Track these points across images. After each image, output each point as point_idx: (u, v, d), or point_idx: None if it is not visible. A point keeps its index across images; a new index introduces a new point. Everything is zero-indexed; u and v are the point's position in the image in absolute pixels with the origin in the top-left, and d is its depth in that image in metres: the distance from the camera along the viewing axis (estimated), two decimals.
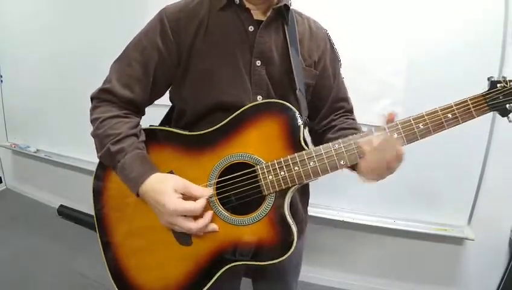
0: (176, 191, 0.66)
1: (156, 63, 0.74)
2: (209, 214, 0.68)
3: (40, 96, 2.44)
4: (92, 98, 0.77)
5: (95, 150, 0.74)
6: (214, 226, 0.69)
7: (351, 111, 0.89)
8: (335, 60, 0.86)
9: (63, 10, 2.21)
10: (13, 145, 2.66)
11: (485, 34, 1.36)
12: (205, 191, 0.68)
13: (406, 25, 1.47)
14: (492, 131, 1.46)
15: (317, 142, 0.82)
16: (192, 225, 0.66)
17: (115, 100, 0.74)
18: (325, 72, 0.83)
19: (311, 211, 1.66)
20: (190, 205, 0.65)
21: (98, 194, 0.79)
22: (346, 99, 0.88)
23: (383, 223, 1.65)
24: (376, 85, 1.52)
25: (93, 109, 0.76)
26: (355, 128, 0.80)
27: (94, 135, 0.73)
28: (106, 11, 2.03)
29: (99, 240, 0.79)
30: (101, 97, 0.75)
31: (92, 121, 0.74)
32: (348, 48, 1.50)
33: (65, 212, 2.49)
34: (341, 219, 1.69)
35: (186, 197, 0.67)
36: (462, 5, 1.39)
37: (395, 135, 0.66)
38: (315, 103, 0.84)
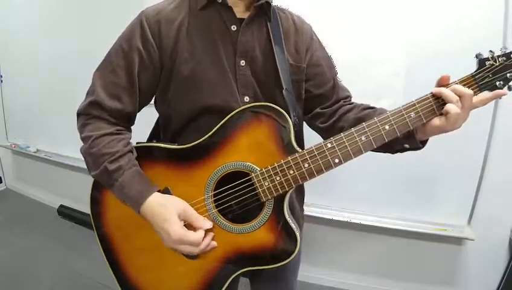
0: (179, 216, 0.66)
1: (139, 67, 0.71)
2: (209, 236, 0.69)
3: (40, 96, 2.45)
4: (79, 114, 0.73)
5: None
6: (213, 244, 0.70)
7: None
8: (322, 49, 0.84)
9: (63, 10, 2.21)
10: (13, 145, 2.66)
11: (484, 35, 1.35)
12: (205, 223, 0.68)
13: (405, 26, 1.46)
14: (492, 131, 1.45)
15: (335, 130, 0.77)
16: (195, 250, 0.67)
17: (104, 116, 0.71)
18: (313, 60, 0.80)
19: (312, 211, 1.68)
20: (194, 237, 0.66)
21: (98, 215, 0.79)
22: (346, 89, 0.86)
23: (383, 223, 1.64)
24: (375, 86, 1.52)
25: (82, 127, 0.72)
26: (373, 108, 0.77)
27: (87, 153, 0.70)
28: (107, 11, 2.02)
29: (105, 258, 0.78)
30: (89, 113, 0.71)
31: (84, 139, 0.71)
32: (347, 49, 1.51)
33: (65, 212, 2.49)
34: (341, 219, 1.68)
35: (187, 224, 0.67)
36: (462, 5, 1.38)
37: (387, 128, 0.64)
38: (318, 91, 0.81)
